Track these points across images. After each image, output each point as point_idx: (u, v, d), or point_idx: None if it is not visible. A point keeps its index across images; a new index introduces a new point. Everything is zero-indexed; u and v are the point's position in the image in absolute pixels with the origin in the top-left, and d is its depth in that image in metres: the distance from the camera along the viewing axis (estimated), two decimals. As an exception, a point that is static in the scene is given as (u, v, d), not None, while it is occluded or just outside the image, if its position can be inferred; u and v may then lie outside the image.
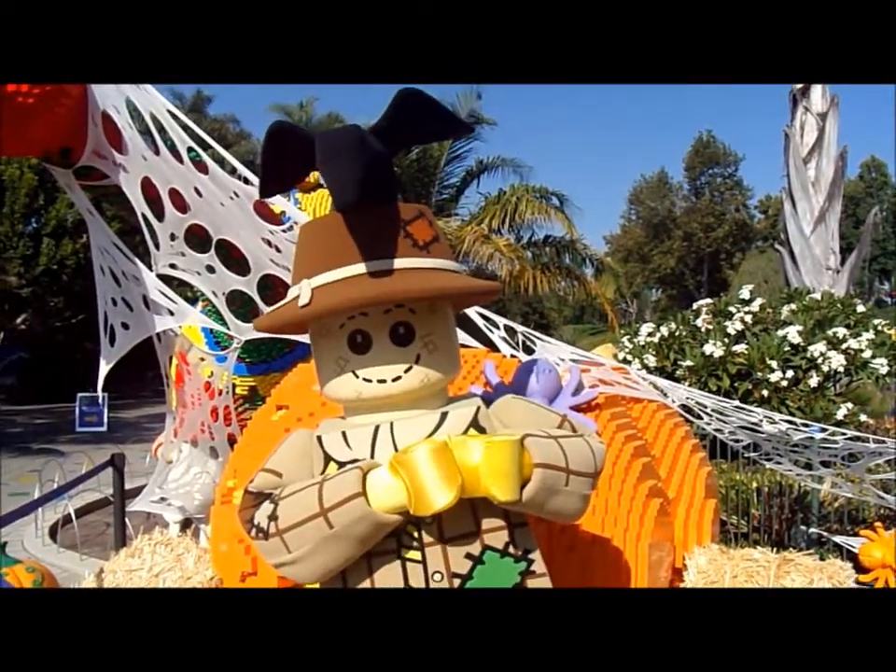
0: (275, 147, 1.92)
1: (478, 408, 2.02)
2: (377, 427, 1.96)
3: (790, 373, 7.99)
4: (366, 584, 1.90)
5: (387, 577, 1.89)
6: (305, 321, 2.01)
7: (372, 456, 1.91)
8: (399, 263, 1.90)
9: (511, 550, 1.93)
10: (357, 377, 1.95)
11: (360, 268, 1.89)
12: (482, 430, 1.97)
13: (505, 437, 1.84)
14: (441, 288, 1.94)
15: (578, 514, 1.99)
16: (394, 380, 1.94)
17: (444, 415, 1.98)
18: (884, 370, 8.08)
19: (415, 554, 1.89)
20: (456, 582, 1.87)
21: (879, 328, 8.55)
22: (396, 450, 1.90)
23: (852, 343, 8.08)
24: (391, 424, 1.96)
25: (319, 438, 2.00)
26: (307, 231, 2.09)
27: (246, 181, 3.99)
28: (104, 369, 4.23)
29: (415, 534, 1.88)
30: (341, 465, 1.92)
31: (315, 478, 1.93)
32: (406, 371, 1.94)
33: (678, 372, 8.33)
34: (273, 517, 1.88)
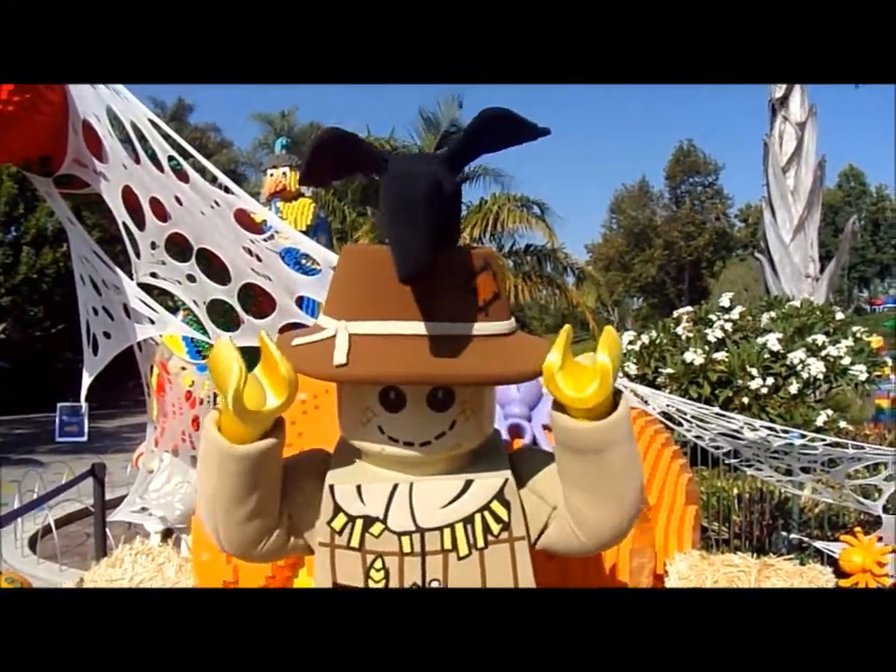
0: (323, 152, 1.68)
1: (506, 480, 1.81)
2: (395, 487, 1.81)
3: (770, 380, 8.03)
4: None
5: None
6: (337, 380, 1.79)
7: (386, 516, 1.78)
8: (456, 329, 1.69)
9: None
10: (383, 433, 1.77)
11: (411, 327, 1.67)
12: (506, 504, 1.80)
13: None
14: (492, 376, 1.75)
15: (635, 503, 1.78)
16: (422, 444, 1.77)
17: (469, 483, 1.81)
18: (863, 376, 8.14)
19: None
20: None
21: (858, 335, 8.62)
22: (412, 512, 1.78)
23: (831, 350, 8.14)
24: (410, 485, 1.81)
25: (332, 487, 1.83)
26: (354, 258, 1.86)
27: (227, 190, 3.99)
28: (87, 380, 4.22)
29: None
30: (350, 518, 1.79)
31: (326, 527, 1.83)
32: (437, 438, 1.77)
33: (658, 380, 8.36)
34: None
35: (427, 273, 1.58)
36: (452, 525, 1.79)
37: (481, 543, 1.79)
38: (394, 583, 1.79)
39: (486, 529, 1.80)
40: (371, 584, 1.80)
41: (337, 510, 1.81)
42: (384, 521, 1.78)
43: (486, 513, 1.79)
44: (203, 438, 1.78)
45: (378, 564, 1.80)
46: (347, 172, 1.80)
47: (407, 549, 1.79)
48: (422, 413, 1.76)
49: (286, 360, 1.66)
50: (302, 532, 1.91)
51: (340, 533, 1.81)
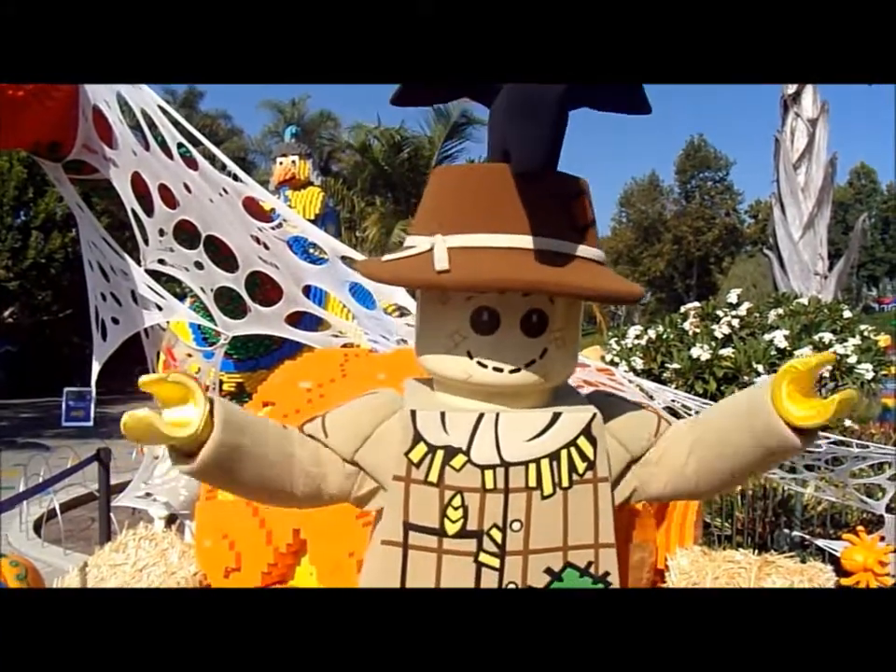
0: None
1: (594, 415, 1.78)
2: (481, 416, 1.74)
3: (776, 377, 8.02)
4: (430, 583, 1.75)
5: (457, 580, 1.74)
6: (441, 287, 1.70)
7: (470, 446, 1.71)
8: (557, 246, 1.65)
9: (592, 570, 1.78)
10: (472, 358, 1.71)
11: (511, 241, 1.63)
12: (593, 440, 1.76)
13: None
14: (601, 289, 1.70)
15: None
16: (512, 371, 1.71)
17: (556, 416, 1.76)
18: (869, 375, 8.11)
19: (494, 561, 1.73)
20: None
21: (865, 333, 8.58)
22: (497, 444, 1.72)
23: (838, 349, 8.11)
24: (496, 415, 1.74)
25: (413, 413, 1.75)
26: (447, 177, 1.84)
27: (236, 178, 4.00)
28: (96, 365, 4.24)
29: (499, 538, 1.72)
30: (431, 448, 1.72)
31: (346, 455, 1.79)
32: (528, 365, 1.72)
33: (664, 375, 8.35)
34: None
35: (548, 168, 1.59)
36: (538, 461, 1.73)
37: (566, 482, 1.74)
38: (472, 524, 1.73)
39: (572, 467, 1.74)
40: (448, 524, 1.73)
41: (417, 438, 1.73)
42: (466, 453, 1.72)
43: (573, 449, 1.74)
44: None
45: (457, 501, 1.73)
46: (448, 94, 1.79)
47: (490, 485, 1.72)
48: (515, 336, 1.71)
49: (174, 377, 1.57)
50: (373, 473, 1.81)
51: (418, 465, 1.73)
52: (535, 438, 1.73)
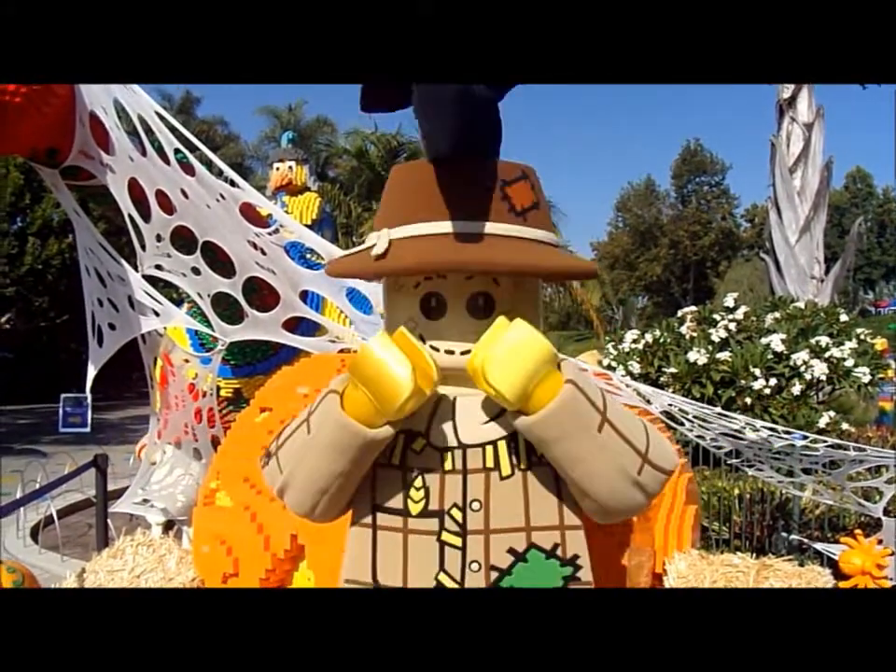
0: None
1: None
2: (439, 400, 1.80)
3: (773, 381, 8.03)
4: (398, 562, 1.78)
5: (422, 559, 1.77)
6: (377, 273, 1.85)
7: (429, 429, 1.78)
8: (489, 228, 1.70)
9: (559, 552, 1.79)
10: (425, 342, 1.77)
11: (446, 226, 1.71)
12: None
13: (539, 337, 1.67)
14: (532, 266, 1.76)
15: (618, 498, 1.74)
16: (463, 353, 1.75)
17: None
18: (866, 379, 8.13)
19: (456, 540, 1.76)
20: (493, 576, 1.75)
21: (862, 337, 8.60)
22: (455, 428, 1.77)
23: (835, 352, 8.13)
24: (454, 399, 1.81)
25: None
26: (398, 174, 1.91)
27: (233, 183, 3.99)
28: (92, 371, 4.23)
29: (459, 518, 1.76)
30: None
31: None
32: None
33: (662, 379, 8.36)
34: (276, 438, 1.85)
35: (455, 163, 1.67)
36: (494, 443, 1.78)
37: (524, 464, 1.77)
38: (434, 504, 1.77)
39: (530, 449, 1.77)
40: (411, 505, 1.78)
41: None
42: (426, 435, 1.77)
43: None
44: (323, 421, 1.73)
45: (419, 482, 1.78)
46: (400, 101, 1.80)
47: (448, 466, 1.78)
48: (462, 319, 1.77)
49: (432, 357, 1.67)
50: None
51: (383, 449, 1.77)
52: (491, 420, 1.78)
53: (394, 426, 1.70)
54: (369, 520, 1.82)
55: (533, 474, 1.77)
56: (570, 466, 1.70)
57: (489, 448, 1.77)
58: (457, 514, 1.76)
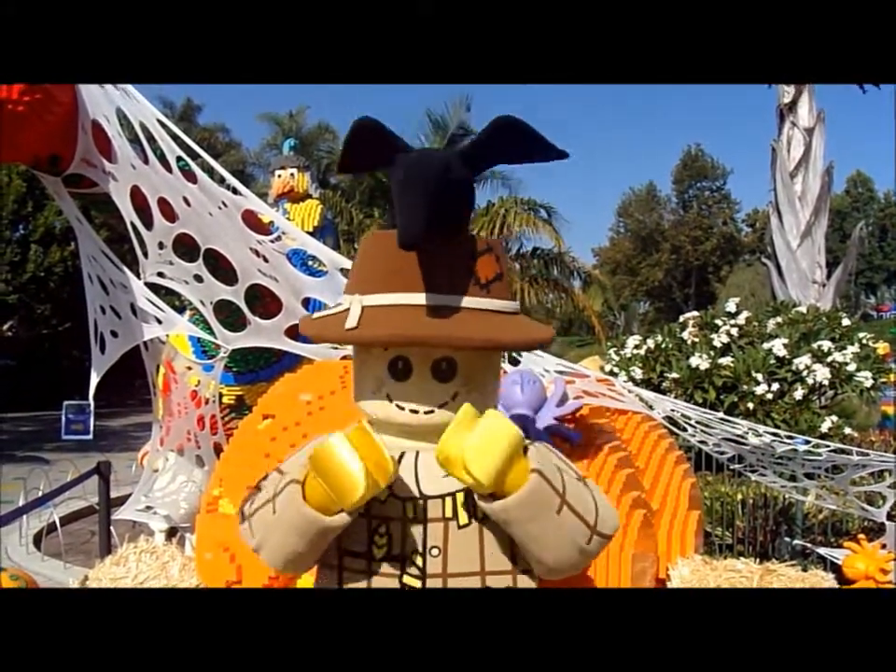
0: (357, 143, 1.85)
1: None
2: (402, 455, 1.91)
3: (775, 386, 8.02)
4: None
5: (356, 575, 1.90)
6: (349, 341, 1.98)
7: (392, 483, 1.85)
8: (455, 301, 1.83)
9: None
10: (391, 402, 1.90)
11: (415, 298, 1.82)
12: None
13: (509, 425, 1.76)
14: (489, 341, 1.85)
15: (565, 564, 1.87)
16: (426, 412, 1.89)
17: None
18: (868, 383, 8.12)
19: (416, 583, 1.87)
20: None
21: (864, 341, 8.60)
22: (417, 480, 1.89)
23: (837, 357, 8.12)
24: (416, 454, 1.92)
25: None
26: (371, 241, 2.02)
27: (235, 191, 4.00)
28: (94, 378, 4.24)
29: (420, 563, 1.87)
30: None
31: None
32: (440, 406, 1.89)
33: (664, 385, 8.36)
34: (250, 501, 1.94)
35: (426, 241, 1.75)
36: (453, 494, 1.89)
37: (480, 514, 1.87)
38: (396, 549, 1.89)
39: None
40: (375, 550, 1.89)
41: None
42: (389, 487, 1.84)
43: None
44: (285, 507, 1.84)
45: (382, 529, 1.90)
46: (381, 162, 1.87)
47: (410, 514, 1.90)
48: (427, 381, 1.88)
49: (386, 452, 1.76)
50: None
51: None
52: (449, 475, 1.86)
53: (350, 514, 1.80)
54: (335, 561, 1.94)
55: (488, 524, 1.88)
56: (528, 541, 1.82)
57: (448, 499, 1.88)
58: (418, 559, 1.88)
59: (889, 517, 4.65)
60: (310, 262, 5.24)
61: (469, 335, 1.81)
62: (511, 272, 19.25)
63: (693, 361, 8.22)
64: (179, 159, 3.88)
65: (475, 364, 1.91)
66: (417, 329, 1.79)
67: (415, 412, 1.89)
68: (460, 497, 1.88)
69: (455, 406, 1.84)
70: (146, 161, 3.86)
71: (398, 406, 1.90)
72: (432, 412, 1.89)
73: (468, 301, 1.84)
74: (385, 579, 1.88)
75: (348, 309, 1.87)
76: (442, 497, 1.89)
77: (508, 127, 1.77)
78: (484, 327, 1.83)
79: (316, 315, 2.00)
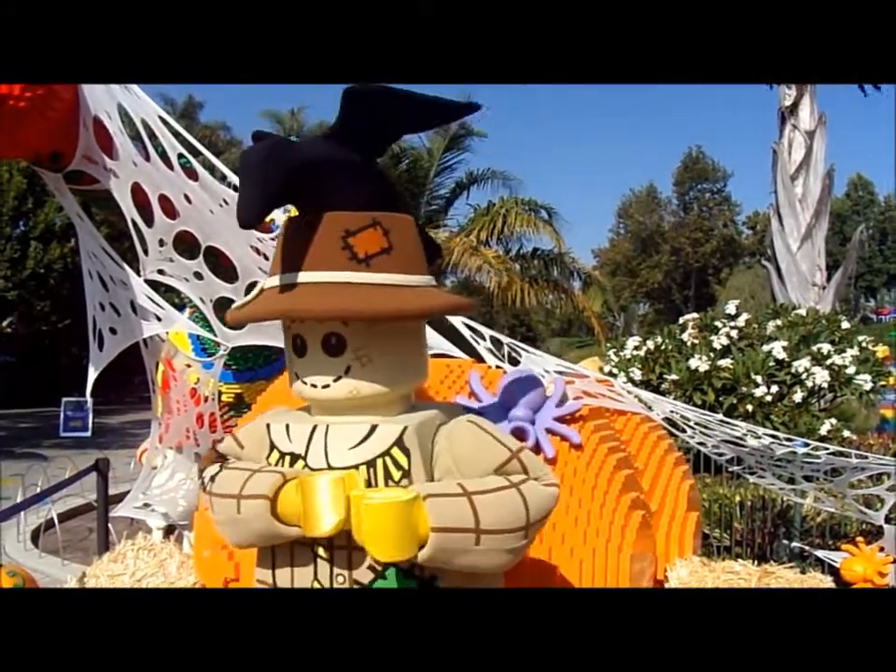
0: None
1: (404, 428, 1.96)
2: (314, 427, 2.02)
3: (774, 388, 8.01)
4: (286, 568, 2.03)
5: (302, 568, 2.01)
6: (235, 321, 2.16)
7: (306, 454, 2.00)
8: (325, 276, 1.92)
9: (416, 571, 1.94)
10: (297, 378, 2.04)
11: (291, 278, 1.94)
12: (406, 451, 1.95)
13: (393, 497, 1.81)
14: (359, 312, 1.92)
15: (504, 567, 1.93)
16: (323, 387, 1.99)
17: (374, 428, 1.98)
18: (868, 386, 8.11)
19: (325, 553, 1.98)
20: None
21: (864, 344, 8.59)
22: (325, 451, 1.98)
23: (836, 360, 8.11)
24: (327, 426, 2.01)
25: (268, 426, 2.08)
26: (280, 230, 2.16)
27: (236, 188, 4.00)
28: (92, 374, 4.23)
29: None
30: (281, 455, 2.04)
31: (260, 462, 2.06)
32: (335, 381, 1.98)
33: (663, 386, 8.35)
34: (212, 479, 2.05)
35: (258, 222, 1.90)
36: (356, 467, 1.95)
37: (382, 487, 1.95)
38: None
39: (387, 474, 1.95)
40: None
41: (272, 446, 2.06)
42: (304, 458, 1.99)
43: (387, 458, 1.95)
44: (252, 516, 1.94)
45: None
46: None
47: None
48: (319, 357, 1.99)
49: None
50: None
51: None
52: (356, 446, 1.97)
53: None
54: None
55: None
56: (463, 569, 1.89)
57: (353, 472, 1.94)
58: None
59: (888, 520, 4.65)
60: (310, 261, 5.22)
61: (323, 307, 1.89)
62: (511, 272, 19.25)
63: (693, 363, 8.21)
64: (181, 156, 3.87)
65: (366, 338, 1.98)
66: (278, 304, 1.94)
67: (314, 385, 2.00)
68: (363, 469, 1.95)
69: (349, 380, 1.97)
70: (147, 158, 3.86)
71: (301, 381, 2.03)
72: (328, 385, 1.98)
73: (342, 276, 1.91)
74: (303, 547, 1.99)
75: (260, 291, 2.02)
76: (347, 468, 1.95)
77: (355, 95, 1.83)
78: (359, 300, 1.89)
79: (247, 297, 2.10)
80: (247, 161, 1.85)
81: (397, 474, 1.94)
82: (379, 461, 1.95)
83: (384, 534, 1.77)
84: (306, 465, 1.99)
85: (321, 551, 1.98)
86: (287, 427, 2.06)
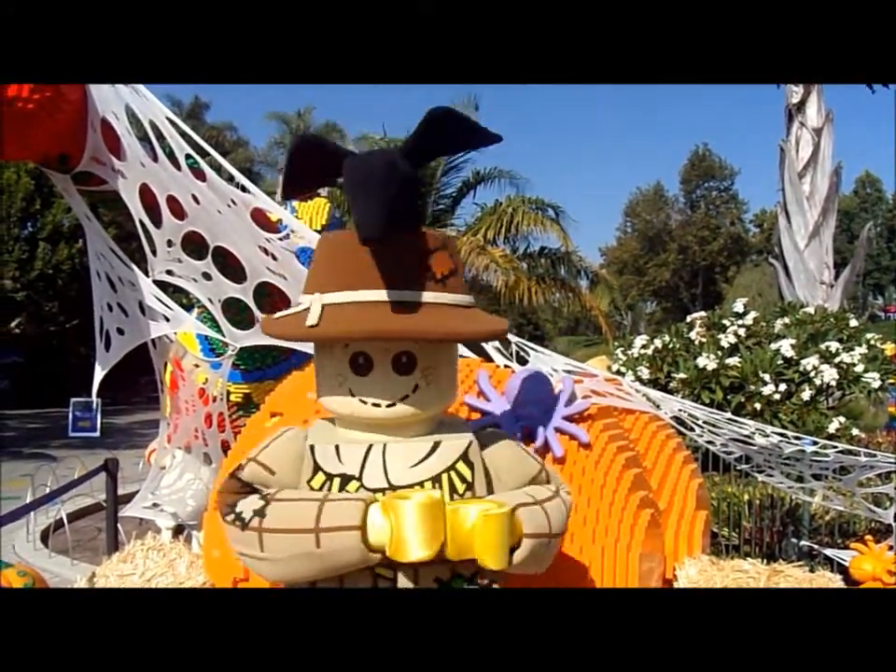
0: (301, 159, 1.94)
1: (470, 443, 2.04)
2: (370, 447, 1.98)
3: (782, 387, 8.00)
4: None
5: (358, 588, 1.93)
6: (310, 339, 2.05)
7: (361, 475, 1.94)
8: (413, 296, 1.90)
9: (478, 579, 1.98)
10: (354, 396, 1.97)
11: (374, 295, 1.89)
12: (470, 465, 2.01)
13: (498, 508, 1.87)
14: (449, 333, 1.94)
15: (544, 568, 2.05)
16: (388, 405, 1.97)
17: (437, 445, 2.01)
18: (876, 384, 8.09)
19: (387, 572, 1.92)
20: None
21: (872, 342, 8.56)
22: (385, 470, 1.95)
23: (845, 357, 8.09)
24: (384, 446, 1.98)
25: (312, 447, 2.02)
26: (327, 242, 2.09)
27: (244, 189, 4.00)
28: (98, 374, 4.23)
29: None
30: (329, 476, 1.97)
31: (310, 490, 1.97)
32: (402, 400, 1.97)
33: (671, 385, 8.33)
34: (260, 513, 1.90)
35: (385, 235, 1.82)
36: (421, 483, 1.95)
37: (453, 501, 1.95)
38: None
39: (452, 488, 1.97)
40: None
41: (316, 469, 1.99)
42: (359, 479, 1.95)
43: (452, 473, 1.98)
44: (340, 549, 1.85)
45: None
46: (327, 177, 1.99)
47: None
48: (388, 375, 1.96)
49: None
50: None
51: (319, 491, 1.96)
52: (418, 464, 1.97)
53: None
54: None
55: None
56: (528, 573, 2.00)
57: (417, 488, 1.94)
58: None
59: (897, 518, 4.64)
60: (318, 260, 5.22)
61: (427, 328, 1.88)
62: (518, 271, 19.24)
63: (701, 361, 8.20)
64: (188, 156, 3.87)
65: (434, 357, 1.99)
66: (377, 324, 1.86)
67: (378, 405, 1.97)
68: (427, 485, 1.95)
69: (416, 399, 1.97)
70: (155, 158, 3.86)
71: (360, 401, 1.97)
72: (394, 405, 1.97)
73: (425, 296, 1.91)
74: (358, 570, 1.91)
75: (307, 309, 1.93)
76: (411, 486, 1.94)
77: (441, 118, 1.84)
78: (442, 320, 1.91)
79: (277, 315, 2.05)
80: (369, 174, 1.81)
81: (461, 487, 1.98)
82: (444, 476, 1.98)
83: (500, 543, 1.83)
84: (362, 485, 1.94)
85: (383, 571, 1.93)
86: (337, 447, 2.00)
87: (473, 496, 1.98)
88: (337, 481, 1.96)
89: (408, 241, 1.93)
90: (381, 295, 1.89)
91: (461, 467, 2.00)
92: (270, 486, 1.99)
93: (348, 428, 2.06)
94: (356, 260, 1.90)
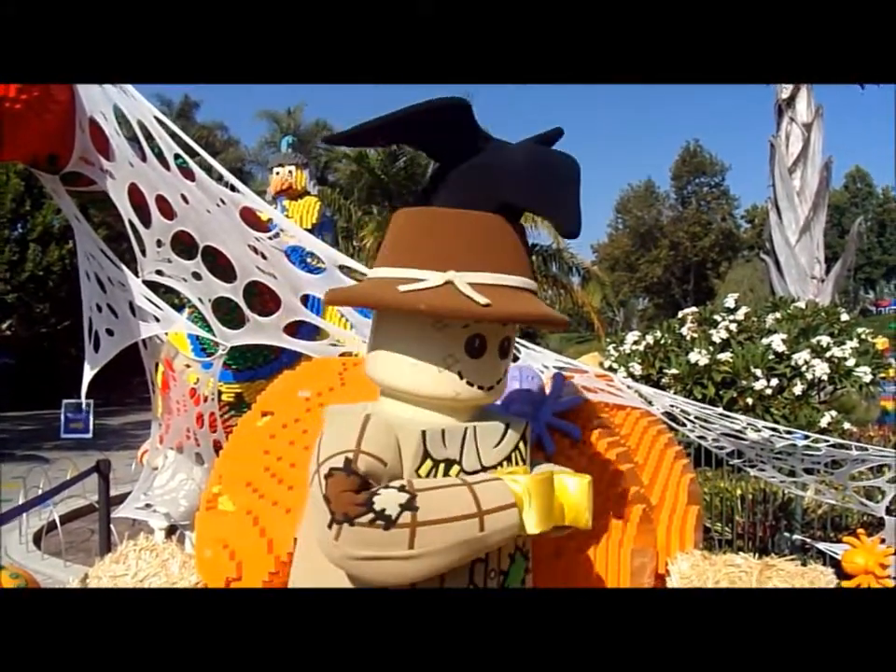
0: (435, 114, 1.87)
1: (527, 423, 2.13)
2: (466, 430, 1.99)
3: (774, 381, 8.03)
4: (435, 581, 1.86)
5: (456, 574, 1.89)
6: (478, 318, 1.92)
7: (460, 458, 1.96)
8: (529, 283, 1.99)
9: (523, 548, 2.09)
10: (462, 378, 1.96)
11: (521, 281, 1.96)
12: (526, 443, 2.11)
13: (579, 476, 1.98)
14: (558, 319, 2.02)
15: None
16: (488, 388, 2.01)
17: (507, 425, 2.06)
18: (867, 378, 8.12)
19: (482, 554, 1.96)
20: (500, 579, 2.00)
21: (863, 336, 8.60)
22: (478, 453, 1.99)
23: (836, 352, 8.12)
24: (475, 428, 2.00)
25: (424, 433, 1.91)
26: (446, 218, 1.98)
27: (233, 188, 3.99)
28: (87, 375, 4.22)
29: None
30: (435, 462, 1.93)
31: (405, 475, 1.90)
32: (498, 382, 2.04)
33: (663, 380, 8.36)
34: (409, 507, 1.77)
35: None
36: (501, 464, 2.02)
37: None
38: None
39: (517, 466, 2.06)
40: None
41: (426, 455, 1.93)
42: (459, 462, 1.96)
43: (516, 453, 2.06)
44: (504, 524, 1.87)
45: None
46: (459, 145, 1.97)
47: None
48: (494, 359, 2.01)
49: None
50: None
51: (427, 478, 1.94)
52: (497, 445, 2.03)
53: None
54: None
55: None
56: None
57: (499, 468, 2.01)
58: None
59: (888, 512, 4.66)
60: (308, 259, 5.23)
61: (551, 315, 1.99)
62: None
63: (692, 357, 8.22)
64: (177, 156, 3.86)
65: (512, 343, 2.12)
66: (537, 308, 1.96)
67: (482, 387, 1.99)
68: (505, 465, 2.02)
69: (504, 381, 2.08)
70: (143, 158, 3.85)
71: (468, 383, 1.97)
72: (492, 387, 2.02)
73: (531, 284, 2.00)
74: None
75: (443, 285, 1.87)
76: (494, 466, 2.01)
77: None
78: (543, 305, 2.02)
79: (401, 287, 1.88)
80: (571, 172, 1.90)
81: (521, 465, 2.06)
82: (513, 455, 2.05)
83: (591, 505, 1.96)
84: (462, 469, 1.95)
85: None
86: (444, 432, 1.95)
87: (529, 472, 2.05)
88: (442, 466, 1.94)
89: (520, 229, 2.03)
90: (513, 280, 1.94)
91: (521, 446, 2.07)
92: (380, 479, 1.85)
93: (428, 409, 2.01)
94: (491, 243, 1.95)
